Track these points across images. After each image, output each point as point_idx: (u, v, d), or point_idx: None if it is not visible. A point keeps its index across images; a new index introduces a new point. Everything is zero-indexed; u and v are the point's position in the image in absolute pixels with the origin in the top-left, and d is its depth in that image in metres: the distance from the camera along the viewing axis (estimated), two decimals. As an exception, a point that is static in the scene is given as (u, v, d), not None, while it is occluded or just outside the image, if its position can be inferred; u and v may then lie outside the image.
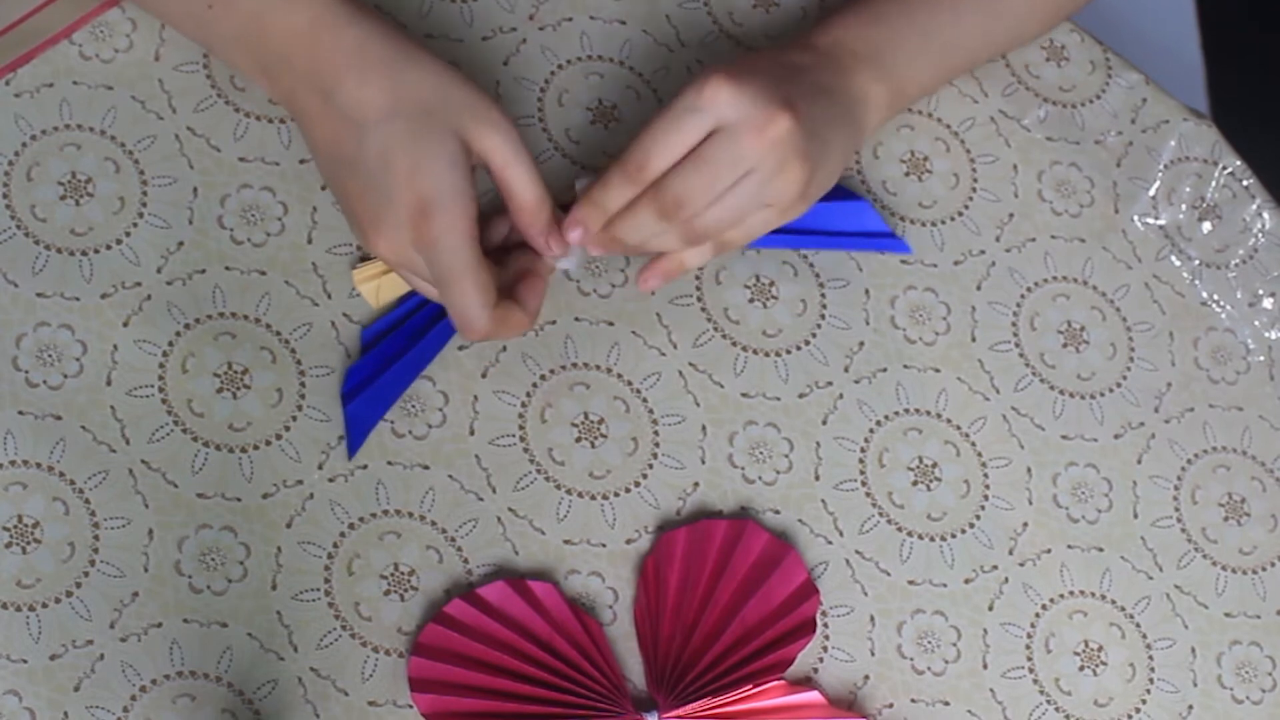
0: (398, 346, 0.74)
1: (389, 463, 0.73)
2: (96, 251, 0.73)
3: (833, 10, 0.78)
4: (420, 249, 0.67)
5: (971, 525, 0.78)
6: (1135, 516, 0.80)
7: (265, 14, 0.69)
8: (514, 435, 0.75)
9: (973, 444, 0.79)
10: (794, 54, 0.75)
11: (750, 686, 0.72)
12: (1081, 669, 0.78)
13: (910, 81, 0.79)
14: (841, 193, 0.80)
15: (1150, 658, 0.79)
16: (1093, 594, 0.79)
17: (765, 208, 0.71)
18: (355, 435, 0.73)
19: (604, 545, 0.74)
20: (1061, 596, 0.78)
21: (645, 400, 0.77)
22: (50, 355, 0.71)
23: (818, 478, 0.77)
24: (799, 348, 0.79)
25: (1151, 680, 0.78)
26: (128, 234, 0.74)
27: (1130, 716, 0.78)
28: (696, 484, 0.76)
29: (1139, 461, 0.81)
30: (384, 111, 0.67)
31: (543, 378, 0.76)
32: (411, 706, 0.70)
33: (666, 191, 0.69)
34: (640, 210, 0.70)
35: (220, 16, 0.70)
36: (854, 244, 0.80)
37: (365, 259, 0.75)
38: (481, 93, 0.69)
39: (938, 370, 0.80)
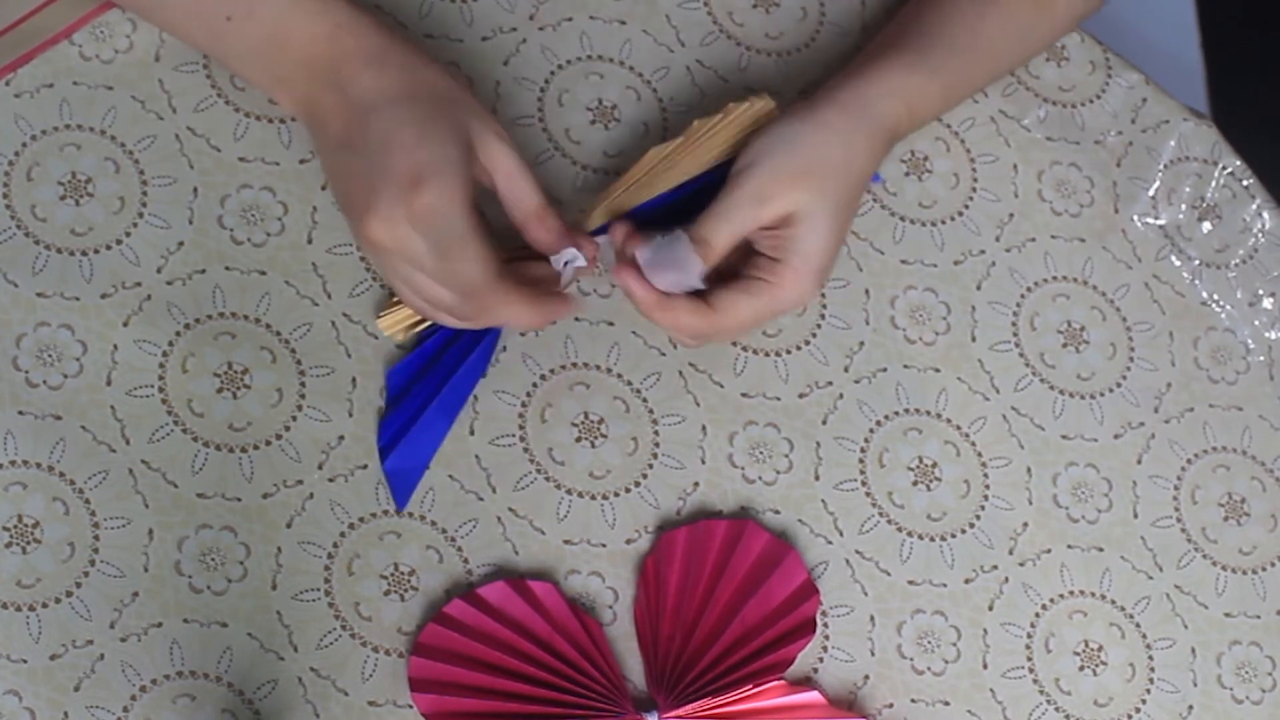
0: (429, 389, 0.74)
1: (389, 463, 0.73)
2: (96, 251, 0.73)
3: (900, 67, 0.76)
4: (415, 221, 0.66)
5: (971, 525, 0.78)
6: (1135, 516, 0.80)
7: (287, 22, 0.69)
8: (514, 435, 0.75)
9: (973, 444, 0.79)
10: (876, 155, 0.75)
11: (750, 686, 0.72)
12: (1081, 669, 0.78)
13: (926, 121, 0.80)
14: None
15: (1150, 658, 0.79)
16: (1093, 594, 0.79)
17: None
18: (400, 489, 0.73)
19: (604, 545, 0.74)
20: (1061, 596, 0.78)
21: (645, 400, 0.77)
22: (50, 355, 0.71)
23: (818, 478, 0.77)
24: (799, 348, 0.79)
25: (1151, 680, 0.78)
26: (128, 234, 0.74)
27: (1130, 716, 0.78)
28: (696, 484, 0.76)
29: (1139, 461, 0.81)
30: (396, 95, 0.68)
31: (543, 378, 0.76)
32: (411, 706, 0.70)
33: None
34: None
35: (239, 28, 0.69)
36: None
37: (389, 306, 0.74)
38: (486, 108, 0.70)
39: (938, 370, 0.80)
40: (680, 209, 0.74)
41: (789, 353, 0.79)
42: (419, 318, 0.74)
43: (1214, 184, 0.86)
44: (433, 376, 0.74)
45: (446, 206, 0.66)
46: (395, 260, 0.68)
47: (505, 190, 0.70)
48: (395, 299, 0.74)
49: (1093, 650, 0.78)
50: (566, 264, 0.72)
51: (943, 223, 0.83)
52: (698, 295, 0.72)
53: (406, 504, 0.73)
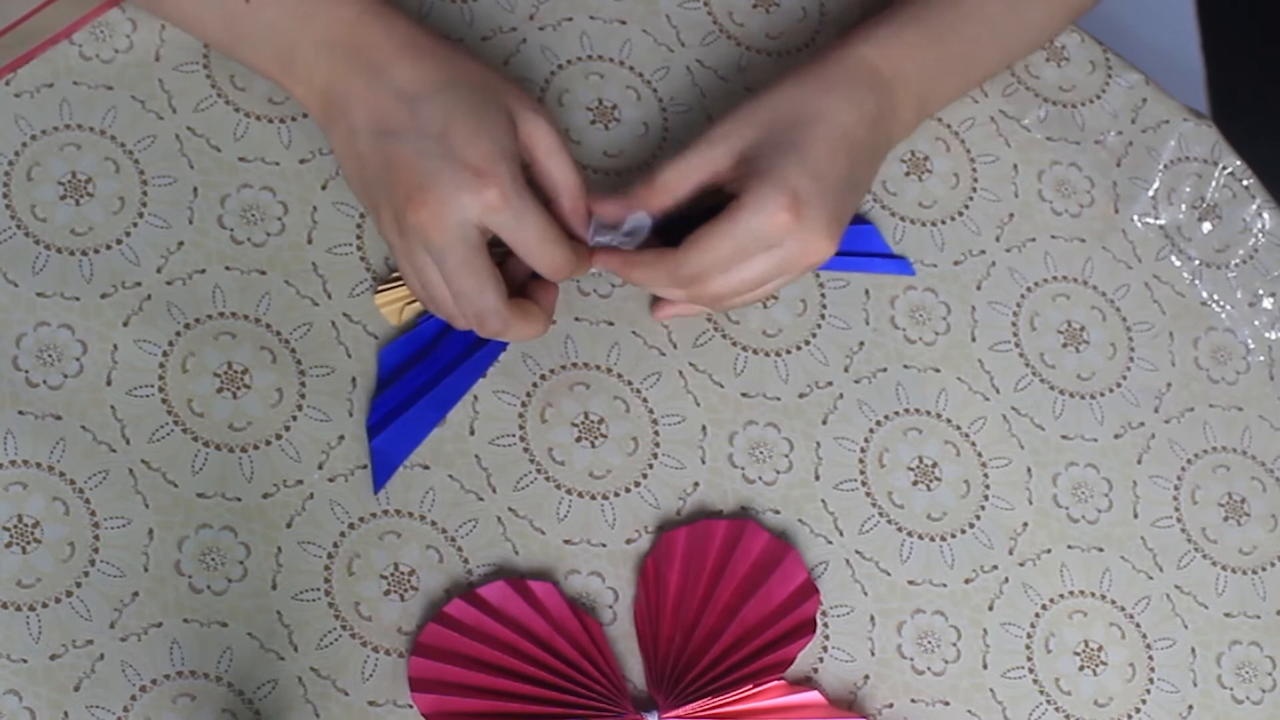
0: (425, 378, 0.74)
1: (389, 463, 0.73)
2: (96, 251, 0.73)
3: (893, 23, 0.76)
4: (488, 209, 0.66)
5: (971, 525, 0.78)
6: (1135, 516, 0.80)
7: (311, 4, 0.69)
8: (514, 435, 0.75)
9: (973, 444, 0.79)
10: (862, 98, 0.73)
11: (750, 686, 0.72)
12: (1081, 669, 0.78)
13: (940, 104, 0.79)
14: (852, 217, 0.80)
15: (1150, 658, 0.79)
16: (1093, 594, 0.79)
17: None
18: (381, 471, 0.73)
19: (604, 545, 0.74)
20: (1061, 596, 0.78)
21: (645, 400, 0.77)
22: (50, 355, 0.71)
23: (818, 478, 0.77)
24: (799, 348, 0.79)
25: (1151, 680, 0.78)
26: (128, 234, 0.74)
27: (1130, 716, 0.78)
28: (696, 484, 0.76)
29: (1139, 461, 0.81)
30: (441, 84, 0.68)
31: (543, 378, 0.76)
32: (411, 706, 0.70)
33: (706, 289, 0.71)
34: (673, 291, 0.73)
35: (259, 10, 0.70)
36: (859, 264, 0.80)
37: (387, 282, 0.75)
38: (518, 85, 0.71)
39: (938, 370, 0.80)
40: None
41: (789, 353, 0.79)
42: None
43: (1214, 184, 0.86)
44: (429, 364, 0.74)
45: (524, 193, 0.67)
46: (423, 252, 0.68)
47: (544, 166, 0.71)
48: (395, 275, 0.74)
49: (1093, 650, 0.78)
50: (630, 231, 0.72)
51: (943, 223, 0.83)
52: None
53: (382, 488, 0.73)
